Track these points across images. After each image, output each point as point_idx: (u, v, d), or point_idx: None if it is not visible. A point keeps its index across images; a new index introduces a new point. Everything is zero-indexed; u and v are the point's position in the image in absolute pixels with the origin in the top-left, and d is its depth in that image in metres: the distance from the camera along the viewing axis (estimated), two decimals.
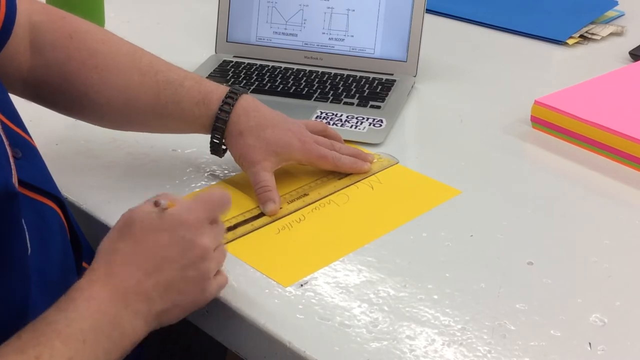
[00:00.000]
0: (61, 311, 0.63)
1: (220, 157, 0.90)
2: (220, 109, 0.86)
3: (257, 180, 0.86)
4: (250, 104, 0.88)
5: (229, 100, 0.86)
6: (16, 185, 0.62)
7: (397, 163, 0.94)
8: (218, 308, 0.73)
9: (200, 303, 0.70)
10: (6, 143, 0.62)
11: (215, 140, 0.88)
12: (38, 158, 0.78)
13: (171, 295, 0.67)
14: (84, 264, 0.79)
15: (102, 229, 0.83)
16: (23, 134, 0.75)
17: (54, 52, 0.86)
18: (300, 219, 0.84)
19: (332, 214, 0.86)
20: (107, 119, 0.90)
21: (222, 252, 0.72)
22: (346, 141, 0.98)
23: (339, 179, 0.91)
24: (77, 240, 0.78)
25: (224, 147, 0.89)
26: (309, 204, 0.87)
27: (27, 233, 0.63)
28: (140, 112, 0.88)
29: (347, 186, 0.90)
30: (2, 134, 0.62)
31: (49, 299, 0.65)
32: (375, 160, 0.94)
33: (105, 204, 0.86)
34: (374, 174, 0.92)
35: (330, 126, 1.00)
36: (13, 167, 0.62)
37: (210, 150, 0.90)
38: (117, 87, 0.86)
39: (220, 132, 0.87)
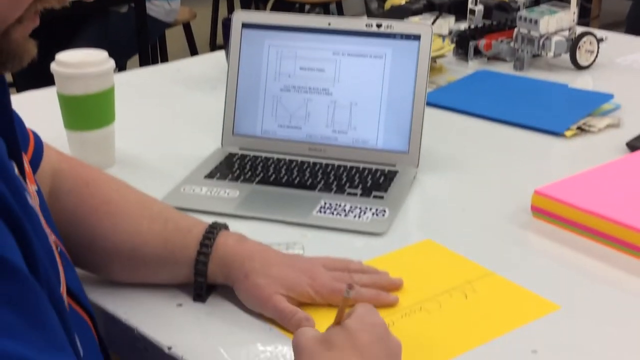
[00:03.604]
0: None
1: (203, 302, 0.87)
2: (198, 252, 0.85)
3: (279, 310, 0.82)
4: (255, 245, 0.87)
5: (210, 233, 0.86)
6: (64, 295, 0.63)
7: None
8: None
9: None
10: (56, 252, 0.63)
11: (199, 279, 0.85)
12: (72, 265, 0.78)
13: None
14: None
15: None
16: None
17: (69, 197, 0.87)
18: (389, 325, 0.77)
19: (422, 321, 0.83)
20: (114, 266, 0.88)
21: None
22: (350, 231, 1.00)
23: (432, 285, 0.89)
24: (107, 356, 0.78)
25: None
26: (399, 310, 0.84)
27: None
28: (147, 259, 0.87)
29: (440, 294, 0.87)
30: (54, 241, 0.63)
31: None
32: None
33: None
34: (469, 282, 0.89)
35: (334, 216, 1.02)
36: (62, 275, 0.63)
37: (195, 296, 0.86)
38: (126, 232, 0.86)
39: (202, 273, 0.85)
